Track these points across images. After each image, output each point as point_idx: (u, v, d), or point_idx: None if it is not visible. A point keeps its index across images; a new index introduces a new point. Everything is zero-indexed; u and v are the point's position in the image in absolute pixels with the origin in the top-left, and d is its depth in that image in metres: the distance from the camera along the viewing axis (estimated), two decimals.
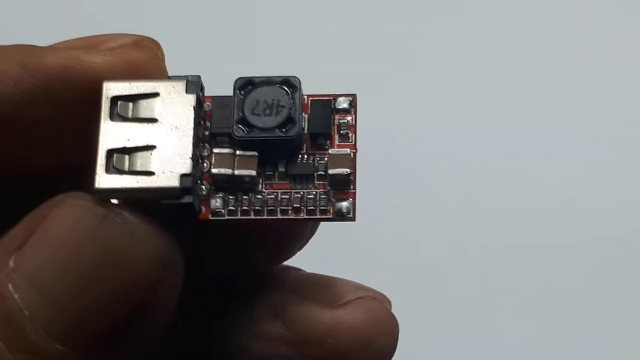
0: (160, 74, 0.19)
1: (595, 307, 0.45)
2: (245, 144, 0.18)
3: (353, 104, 0.19)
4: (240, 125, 0.18)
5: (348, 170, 0.18)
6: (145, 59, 0.18)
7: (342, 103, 0.19)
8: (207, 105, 0.18)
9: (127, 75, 0.18)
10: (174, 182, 0.17)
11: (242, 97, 0.18)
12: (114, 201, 0.17)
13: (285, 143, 0.18)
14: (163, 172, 0.17)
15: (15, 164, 0.19)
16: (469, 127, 0.47)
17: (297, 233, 0.20)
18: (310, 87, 0.19)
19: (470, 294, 0.45)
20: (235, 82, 0.18)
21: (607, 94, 0.48)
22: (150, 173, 0.17)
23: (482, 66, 0.48)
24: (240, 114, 0.18)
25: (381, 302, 0.20)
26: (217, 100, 0.18)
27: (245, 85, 0.18)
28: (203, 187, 0.18)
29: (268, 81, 0.18)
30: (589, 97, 0.48)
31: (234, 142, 0.18)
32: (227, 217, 0.18)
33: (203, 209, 0.18)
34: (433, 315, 0.44)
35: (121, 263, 0.16)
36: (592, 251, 0.46)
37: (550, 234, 0.46)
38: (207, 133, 0.18)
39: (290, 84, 0.18)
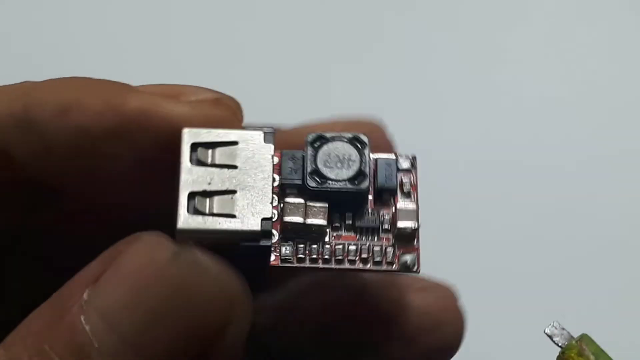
0: None
1: (595, 307, 0.45)
2: (316, 195, 0.19)
3: (414, 164, 0.19)
4: (314, 176, 0.19)
5: (415, 225, 0.19)
6: (223, 117, 0.19)
7: (404, 163, 0.19)
8: (275, 158, 0.19)
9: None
10: (256, 226, 0.18)
11: (314, 151, 0.19)
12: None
13: (354, 196, 0.19)
14: (244, 216, 0.18)
15: (88, 197, 0.20)
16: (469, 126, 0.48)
17: None
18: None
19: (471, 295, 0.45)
20: (307, 137, 0.19)
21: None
22: (231, 216, 0.18)
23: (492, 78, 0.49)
24: (314, 165, 0.19)
25: (450, 290, 0.21)
26: (287, 154, 0.19)
27: (317, 139, 0.19)
28: (274, 234, 0.18)
29: (339, 137, 0.19)
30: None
31: (304, 194, 0.19)
32: (295, 265, 0.18)
33: (273, 255, 0.18)
34: None
35: (190, 301, 0.16)
36: (592, 251, 0.46)
37: (551, 234, 0.46)
38: (275, 184, 0.19)
39: (360, 140, 0.19)
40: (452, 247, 0.45)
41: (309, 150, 0.19)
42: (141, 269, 0.16)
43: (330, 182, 0.19)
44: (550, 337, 0.19)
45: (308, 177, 0.19)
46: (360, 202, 0.19)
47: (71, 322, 0.16)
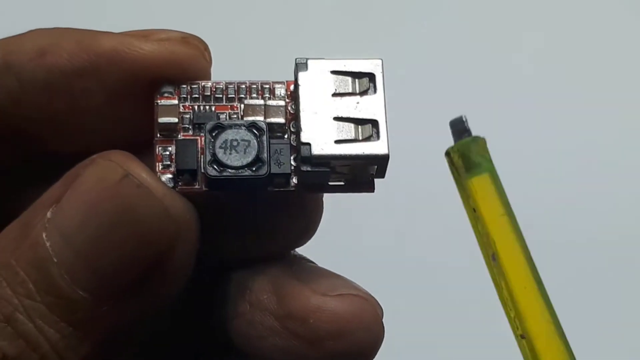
0: (203, 72, 0.20)
1: (595, 307, 0.44)
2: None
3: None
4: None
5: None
6: (190, 55, 0.20)
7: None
8: None
9: (169, 67, 0.20)
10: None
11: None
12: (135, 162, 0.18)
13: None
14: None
15: (61, 138, 0.21)
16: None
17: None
18: None
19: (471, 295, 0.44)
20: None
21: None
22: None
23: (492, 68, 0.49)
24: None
25: (371, 304, 0.21)
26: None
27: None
28: None
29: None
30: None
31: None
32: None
33: None
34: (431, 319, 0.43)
35: (136, 219, 0.17)
36: (591, 251, 0.45)
37: (551, 234, 0.45)
38: None
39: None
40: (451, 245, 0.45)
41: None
42: (93, 190, 0.18)
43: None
44: (451, 127, 0.19)
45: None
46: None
47: (34, 238, 0.17)
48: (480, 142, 0.18)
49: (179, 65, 0.20)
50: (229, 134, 0.19)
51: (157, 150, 0.19)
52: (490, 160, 0.18)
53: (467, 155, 0.18)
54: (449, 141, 0.45)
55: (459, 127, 0.19)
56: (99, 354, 0.18)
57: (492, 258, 0.17)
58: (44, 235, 0.17)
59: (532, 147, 0.48)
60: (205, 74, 0.20)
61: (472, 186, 0.18)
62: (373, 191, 0.20)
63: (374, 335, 0.20)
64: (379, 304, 0.21)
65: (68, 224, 0.17)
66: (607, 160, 0.48)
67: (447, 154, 0.18)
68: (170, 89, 0.20)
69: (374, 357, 0.21)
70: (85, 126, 0.20)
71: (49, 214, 0.18)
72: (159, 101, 0.20)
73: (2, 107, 0.20)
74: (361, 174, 0.20)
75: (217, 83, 0.20)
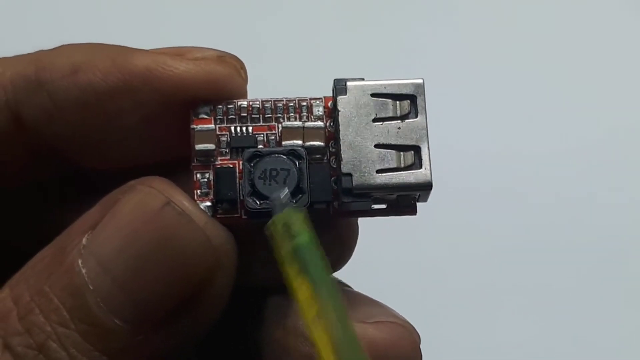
0: (240, 91, 0.20)
1: (595, 306, 0.44)
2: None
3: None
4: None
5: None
6: (226, 74, 0.19)
7: None
8: None
9: (205, 86, 0.19)
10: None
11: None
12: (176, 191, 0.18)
13: None
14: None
15: (94, 156, 0.20)
16: (470, 127, 0.47)
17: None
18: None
19: (471, 295, 0.44)
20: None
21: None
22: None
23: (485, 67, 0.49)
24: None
25: (409, 332, 0.20)
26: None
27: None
28: None
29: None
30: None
31: None
32: None
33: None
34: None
35: (177, 248, 0.17)
36: (591, 250, 0.45)
37: (551, 234, 0.45)
38: None
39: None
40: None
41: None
42: (133, 217, 0.17)
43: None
44: (271, 201, 0.18)
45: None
46: None
47: (70, 265, 0.17)
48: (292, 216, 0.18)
49: (215, 85, 0.19)
50: (267, 163, 0.18)
51: (195, 176, 0.19)
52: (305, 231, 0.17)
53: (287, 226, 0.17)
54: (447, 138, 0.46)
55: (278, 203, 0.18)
56: None
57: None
58: (79, 262, 0.17)
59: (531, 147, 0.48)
60: (241, 92, 0.20)
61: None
62: (415, 214, 0.20)
63: None
64: (416, 330, 0.20)
65: (106, 251, 0.17)
66: (607, 159, 0.48)
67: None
68: (206, 110, 0.19)
69: None
70: (119, 145, 0.20)
71: (84, 240, 0.17)
72: (195, 126, 0.19)
73: (35, 124, 0.20)
74: (404, 198, 0.19)
75: (254, 101, 0.20)
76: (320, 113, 0.19)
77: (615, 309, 0.45)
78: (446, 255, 0.45)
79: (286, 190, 0.18)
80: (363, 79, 0.19)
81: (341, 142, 0.19)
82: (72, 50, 0.20)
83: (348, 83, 0.19)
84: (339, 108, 0.19)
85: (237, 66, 0.20)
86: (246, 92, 0.20)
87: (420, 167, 0.19)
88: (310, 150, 0.19)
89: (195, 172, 0.19)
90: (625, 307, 0.45)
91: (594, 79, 0.49)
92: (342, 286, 0.22)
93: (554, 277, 0.45)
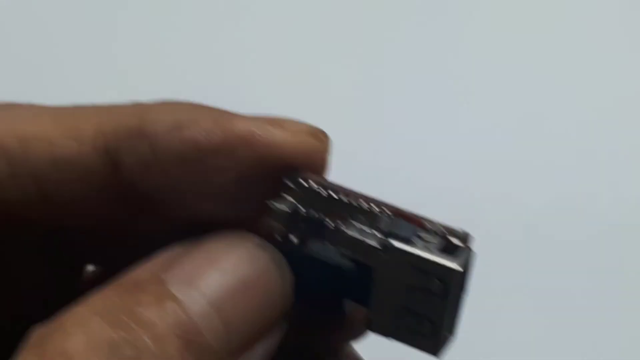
0: (325, 164, 0.22)
1: (595, 306, 0.45)
2: None
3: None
4: None
5: None
6: (318, 148, 0.22)
7: None
8: None
9: (297, 156, 0.21)
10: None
11: None
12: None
13: None
14: None
15: (183, 208, 0.22)
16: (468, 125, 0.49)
17: None
18: None
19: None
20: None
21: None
22: None
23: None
24: None
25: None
26: None
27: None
28: None
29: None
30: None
31: None
32: None
33: None
34: None
35: (271, 294, 0.20)
36: (592, 250, 0.46)
37: (551, 234, 0.47)
38: None
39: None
40: None
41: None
42: (243, 270, 0.20)
43: None
44: None
45: None
46: None
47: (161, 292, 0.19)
48: None
49: (306, 156, 0.21)
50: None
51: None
52: None
53: None
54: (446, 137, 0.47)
55: None
56: None
57: None
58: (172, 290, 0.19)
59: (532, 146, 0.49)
60: (326, 167, 0.22)
61: None
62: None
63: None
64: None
65: (215, 295, 0.19)
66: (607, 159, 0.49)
67: None
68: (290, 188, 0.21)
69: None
70: (209, 201, 0.21)
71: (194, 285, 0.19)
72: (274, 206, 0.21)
73: (133, 172, 0.21)
74: None
75: (336, 191, 0.21)
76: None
77: (616, 310, 0.46)
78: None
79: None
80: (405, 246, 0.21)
81: (373, 299, 0.21)
82: (175, 107, 0.21)
83: (390, 243, 0.20)
84: (376, 278, 0.21)
85: (326, 142, 0.22)
86: (329, 162, 0.22)
87: (430, 340, 0.21)
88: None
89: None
90: (625, 309, 0.46)
91: (593, 80, 0.51)
92: None
93: (554, 279, 0.46)
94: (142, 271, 0.19)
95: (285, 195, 0.21)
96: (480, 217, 0.48)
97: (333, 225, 0.21)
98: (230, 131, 0.21)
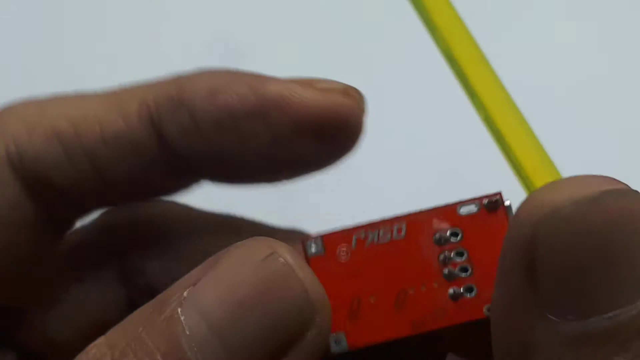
0: (360, 123, 0.22)
1: None
2: None
3: None
4: None
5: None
6: (350, 106, 0.21)
7: None
8: None
9: (330, 116, 0.21)
10: None
11: None
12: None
13: None
14: None
15: (225, 172, 0.22)
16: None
17: None
18: None
19: None
20: None
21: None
22: None
23: None
24: None
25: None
26: None
27: None
28: None
29: None
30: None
31: None
32: None
33: None
34: None
35: (276, 298, 0.17)
36: None
37: None
38: None
39: None
40: None
41: None
42: (238, 267, 0.18)
43: None
44: None
45: None
46: None
47: (169, 313, 0.17)
48: None
49: (339, 115, 0.21)
50: None
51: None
52: None
53: None
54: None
55: None
56: None
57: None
58: (179, 310, 0.17)
59: None
60: (361, 126, 0.22)
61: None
62: None
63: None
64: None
65: (206, 299, 0.17)
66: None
67: None
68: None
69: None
70: (246, 164, 0.22)
71: (185, 294, 0.18)
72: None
73: (175, 140, 0.22)
74: None
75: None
76: None
77: None
78: None
79: None
80: None
81: None
82: (212, 75, 0.22)
83: None
84: None
85: (359, 99, 0.22)
86: (364, 121, 0.22)
87: None
88: None
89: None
90: None
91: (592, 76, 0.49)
92: None
93: None
94: (174, 287, 0.18)
95: None
96: None
97: None
98: (263, 95, 0.21)
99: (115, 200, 0.24)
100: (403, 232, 0.20)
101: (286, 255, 0.18)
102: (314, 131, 0.21)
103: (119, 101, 0.22)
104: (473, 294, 0.20)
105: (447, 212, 0.20)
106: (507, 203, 0.20)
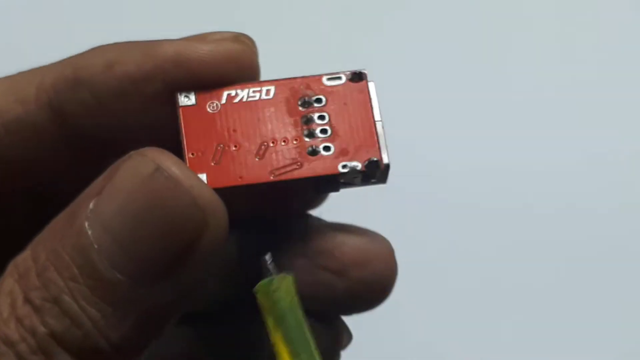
0: (254, 65, 0.23)
1: (594, 308, 0.45)
2: None
3: None
4: None
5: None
6: (241, 50, 0.22)
7: None
8: None
9: (226, 63, 0.22)
10: None
11: None
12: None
13: None
14: None
15: (132, 139, 0.23)
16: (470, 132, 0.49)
17: None
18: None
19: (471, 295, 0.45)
20: None
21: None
22: None
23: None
24: None
25: (385, 240, 0.24)
26: None
27: None
28: None
29: None
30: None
31: None
32: None
33: None
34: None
35: (165, 209, 0.19)
36: (591, 251, 0.46)
37: (550, 235, 0.47)
38: None
39: None
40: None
41: None
42: (128, 182, 0.19)
43: None
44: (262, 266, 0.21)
45: None
46: None
47: (78, 227, 0.19)
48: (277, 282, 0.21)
49: (234, 61, 0.22)
50: None
51: None
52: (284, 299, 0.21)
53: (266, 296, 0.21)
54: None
55: (268, 267, 0.22)
56: (138, 331, 0.19)
57: None
58: (86, 224, 0.19)
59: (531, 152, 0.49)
60: (255, 67, 0.23)
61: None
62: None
63: (391, 264, 0.24)
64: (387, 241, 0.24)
65: (107, 213, 0.19)
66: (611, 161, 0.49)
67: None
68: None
69: (391, 288, 0.24)
70: (156, 128, 0.22)
71: (91, 205, 0.19)
72: None
73: (78, 118, 0.22)
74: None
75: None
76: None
77: (615, 311, 0.46)
78: (444, 256, 0.47)
79: (269, 255, 0.22)
80: None
81: None
82: (106, 49, 0.22)
83: None
84: None
85: (249, 43, 0.23)
86: (258, 62, 0.23)
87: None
88: None
89: None
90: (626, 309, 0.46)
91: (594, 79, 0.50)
92: (315, 220, 0.25)
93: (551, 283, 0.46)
94: (82, 197, 0.20)
95: None
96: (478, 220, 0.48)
97: None
98: (159, 56, 0.22)
99: (22, 184, 0.24)
100: (272, 94, 0.22)
101: (171, 167, 0.19)
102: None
103: (17, 88, 0.22)
104: (330, 152, 0.22)
105: (315, 80, 0.22)
106: (370, 82, 0.22)
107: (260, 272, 0.22)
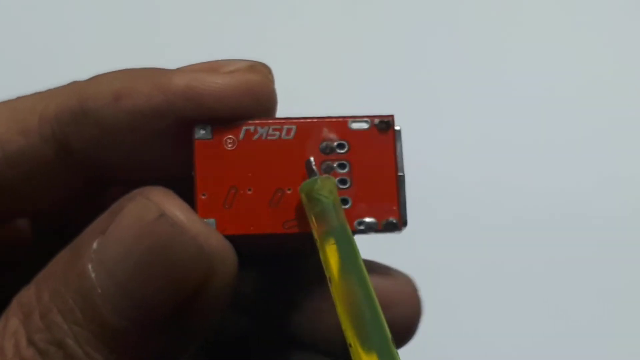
0: (271, 95, 0.21)
1: (594, 309, 0.45)
2: None
3: None
4: None
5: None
6: (258, 81, 0.21)
7: None
8: None
9: (242, 96, 0.21)
10: None
11: None
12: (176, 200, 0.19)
13: None
14: None
15: (139, 171, 0.22)
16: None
17: None
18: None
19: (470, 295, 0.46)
20: None
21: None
22: None
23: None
24: None
25: (410, 280, 0.24)
26: None
27: None
28: None
29: None
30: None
31: None
32: None
33: None
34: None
35: (170, 257, 0.19)
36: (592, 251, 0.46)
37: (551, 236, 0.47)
38: None
39: None
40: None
41: None
42: (132, 226, 0.19)
43: None
44: (307, 166, 0.20)
45: None
46: None
47: (81, 268, 0.19)
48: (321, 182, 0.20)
49: (250, 94, 0.21)
50: None
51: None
52: (327, 197, 0.20)
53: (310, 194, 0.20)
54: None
55: (308, 168, 0.21)
56: None
57: (329, 280, 0.19)
58: (89, 267, 0.19)
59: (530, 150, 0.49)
60: (273, 99, 0.21)
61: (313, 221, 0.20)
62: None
63: (416, 308, 0.23)
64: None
65: (110, 258, 0.19)
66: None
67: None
68: None
69: (416, 328, 0.23)
70: (166, 161, 0.21)
71: (95, 245, 0.19)
72: None
73: (85, 152, 0.21)
74: None
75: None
76: None
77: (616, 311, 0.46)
78: (442, 255, 0.47)
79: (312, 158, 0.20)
80: None
81: None
82: (112, 78, 0.21)
83: None
84: None
85: (265, 72, 0.21)
86: (275, 92, 0.21)
87: None
88: None
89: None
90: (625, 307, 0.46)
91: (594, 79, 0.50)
92: None
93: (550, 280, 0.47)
94: (86, 234, 0.19)
95: None
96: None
97: None
98: (169, 89, 0.20)
99: (25, 215, 0.24)
100: (292, 134, 0.21)
101: (176, 213, 0.19)
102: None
103: (19, 117, 0.21)
104: (347, 206, 0.21)
105: (339, 123, 0.21)
106: (397, 127, 0.21)
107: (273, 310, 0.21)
